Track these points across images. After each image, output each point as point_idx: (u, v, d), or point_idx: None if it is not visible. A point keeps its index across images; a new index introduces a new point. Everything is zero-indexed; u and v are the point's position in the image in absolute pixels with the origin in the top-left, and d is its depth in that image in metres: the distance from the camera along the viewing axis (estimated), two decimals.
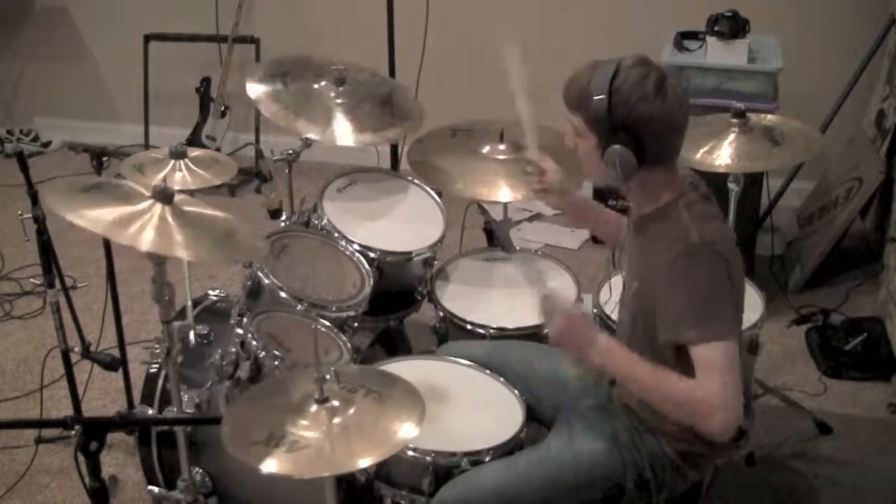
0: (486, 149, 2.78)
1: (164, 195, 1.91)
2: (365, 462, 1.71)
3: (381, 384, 1.86)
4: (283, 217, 2.68)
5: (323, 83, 2.79)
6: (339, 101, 2.76)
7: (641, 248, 1.97)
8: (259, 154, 4.70)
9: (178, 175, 2.37)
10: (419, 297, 2.76)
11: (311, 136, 2.69)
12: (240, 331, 2.29)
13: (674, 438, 1.98)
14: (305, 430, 1.72)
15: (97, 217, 1.82)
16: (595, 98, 1.83)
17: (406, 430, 1.73)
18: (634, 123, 1.83)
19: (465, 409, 2.19)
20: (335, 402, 1.76)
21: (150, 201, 1.90)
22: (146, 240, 1.82)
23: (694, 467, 2.03)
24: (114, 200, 1.89)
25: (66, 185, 1.94)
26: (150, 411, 2.41)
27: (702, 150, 2.56)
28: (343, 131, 2.72)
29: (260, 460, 1.66)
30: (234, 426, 1.77)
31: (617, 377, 1.97)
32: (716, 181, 2.60)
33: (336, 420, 1.73)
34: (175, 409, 2.17)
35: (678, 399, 1.81)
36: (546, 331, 2.00)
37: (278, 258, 2.50)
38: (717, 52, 3.55)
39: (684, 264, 1.82)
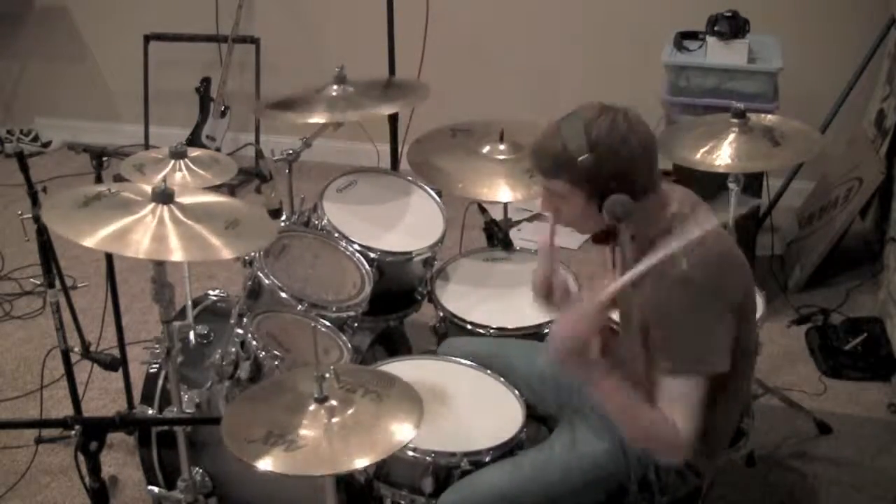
0: (486, 149, 2.78)
1: (163, 196, 1.91)
2: (362, 462, 1.71)
3: (380, 384, 1.86)
4: (283, 217, 2.68)
5: (328, 86, 2.80)
6: (351, 90, 2.80)
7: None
8: (259, 154, 4.68)
9: (178, 175, 2.37)
10: (419, 297, 2.76)
11: (340, 119, 2.77)
12: (240, 331, 2.29)
13: None
14: (304, 429, 1.72)
15: (100, 234, 1.83)
16: (579, 158, 1.81)
17: (404, 431, 1.73)
18: (624, 168, 1.82)
19: (465, 409, 2.19)
20: (334, 402, 1.76)
21: (151, 205, 1.90)
22: (150, 248, 1.82)
23: (696, 469, 2.03)
24: (114, 211, 1.89)
25: (66, 201, 1.93)
26: (150, 411, 2.41)
27: (702, 150, 2.56)
28: (366, 109, 2.80)
29: (258, 458, 1.66)
30: (233, 424, 1.78)
31: (602, 396, 1.92)
32: (716, 181, 2.62)
33: (335, 419, 1.73)
34: (175, 409, 2.17)
35: (644, 433, 1.85)
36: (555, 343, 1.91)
37: (278, 258, 2.50)
38: (717, 52, 3.55)
39: (663, 296, 1.81)
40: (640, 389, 2.02)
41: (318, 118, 2.72)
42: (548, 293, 2.16)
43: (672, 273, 1.79)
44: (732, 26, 3.53)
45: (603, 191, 1.83)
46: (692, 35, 3.70)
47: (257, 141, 4.75)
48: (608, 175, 1.81)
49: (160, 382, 2.43)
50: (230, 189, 4.34)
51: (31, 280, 3.76)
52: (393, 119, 3.51)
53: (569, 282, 2.19)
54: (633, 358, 2.00)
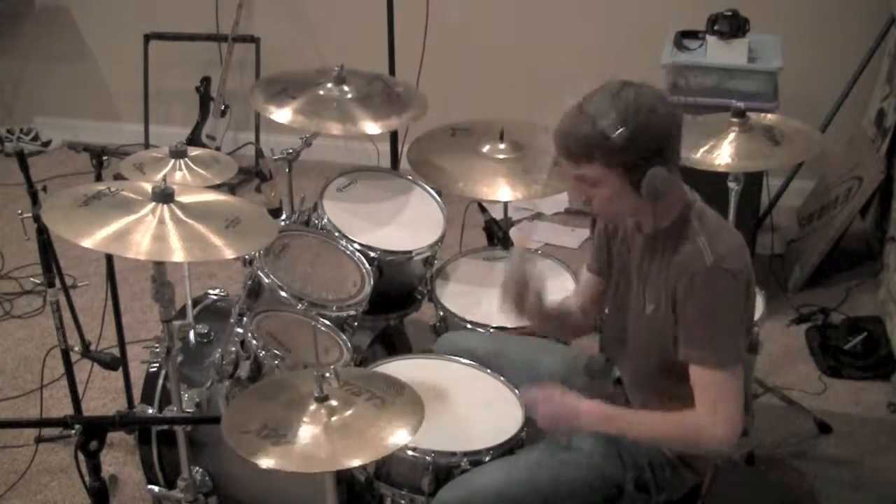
0: (486, 148, 2.79)
1: (163, 196, 1.91)
2: (353, 462, 1.70)
3: (387, 390, 1.85)
4: (283, 216, 2.69)
5: (328, 86, 2.78)
6: (349, 97, 2.76)
7: (655, 268, 1.93)
8: (259, 153, 4.71)
9: (178, 174, 2.37)
10: (419, 297, 2.76)
11: (336, 132, 2.73)
12: (240, 330, 2.29)
13: None
14: (302, 427, 1.72)
15: (100, 234, 1.82)
16: (613, 135, 1.74)
17: (398, 436, 1.73)
18: (657, 140, 1.78)
19: (465, 409, 2.19)
20: (334, 402, 1.76)
21: (152, 204, 1.90)
22: (151, 248, 1.82)
23: (693, 468, 2.03)
24: (114, 210, 1.89)
25: (65, 200, 1.93)
26: (150, 410, 2.42)
27: (702, 150, 2.56)
28: (369, 122, 2.72)
29: (254, 453, 1.66)
30: (233, 417, 1.78)
31: (612, 432, 1.97)
32: (716, 180, 2.62)
33: (332, 419, 1.73)
34: (175, 408, 2.17)
35: (675, 435, 1.90)
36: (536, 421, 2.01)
37: (278, 257, 2.50)
38: (717, 52, 3.55)
39: (700, 289, 1.81)
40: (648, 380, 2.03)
41: (311, 124, 2.69)
42: (520, 299, 2.10)
43: (707, 265, 1.81)
44: (732, 25, 3.53)
45: (638, 168, 1.77)
46: (692, 34, 3.70)
47: (257, 140, 4.75)
48: (643, 149, 1.76)
49: (160, 382, 2.43)
50: (230, 188, 4.34)
51: (31, 279, 3.75)
52: None
53: (544, 287, 2.11)
54: (641, 346, 2.00)
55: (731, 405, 1.82)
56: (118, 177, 2.42)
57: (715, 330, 1.83)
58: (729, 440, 1.83)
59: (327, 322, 2.40)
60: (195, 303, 2.57)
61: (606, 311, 2.25)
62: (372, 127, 2.72)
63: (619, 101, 1.76)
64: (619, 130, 1.74)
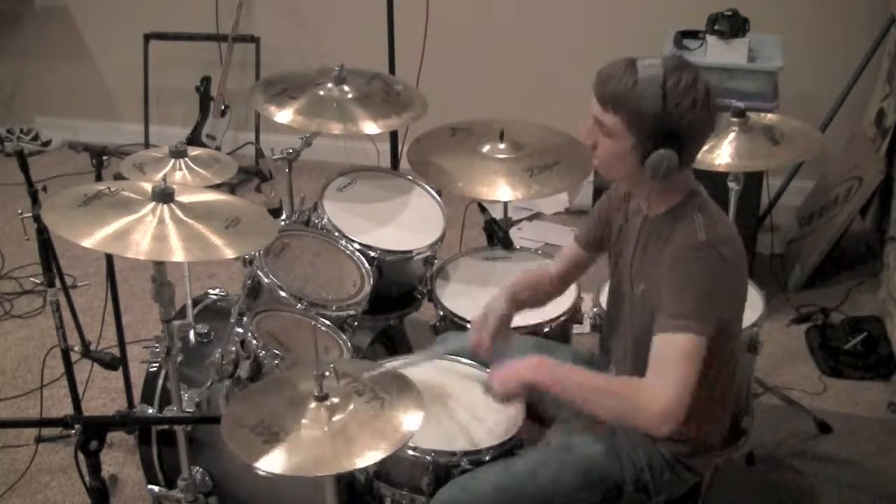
0: (485, 148, 2.78)
1: (163, 196, 1.91)
2: (351, 463, 1.70)
3: (389, 390, 1.84)
4: (283, 216, 2.69)
5: (328, 86, 2.78)
6: (349, 96, 2.76)
7: (651, 249, 1.94)
8: (259, 153, 4.71)
9: (178, 174, 2.37)
10: (419, 297, 2.76)
11: (336, 132, 2.71)
12: (240, 330, 2.29)
13: (671, 441, 1.97)
14: (301, 426, 1.72)
15: (100, 234, 1.82)
16: (645, 101, 1.78)
17: (398, 439, 1.72)
18: (683, 129, 1.80)
19: (465, 408, 2.19)
20: (334, 400, 1.76)
21: (152, 204, 1.90)
22: (151, 248, 1.82)
23: (692, 469, 2.03)
24: (114, 210, 1.89)
25: (65, 200, 1.93)
26: (150, 410, 2.42)
27: (702, 149, 2.55)
28: (369, 122, 2.71)
29: (246, 448, 1.66)
30: (233, 415, 1.79)
31: (558, 387, 1.91)
32: (716, 180, 2.62)
33: (332, 419, 1.73)
34: (175, 408, 2.17)
35: (612, 392, 1.84)
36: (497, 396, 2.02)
37: (278, 257, 2.51)
38: (717, 51, 3.55)
39: (686, 261, 1.82)
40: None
41: (311, 124, 2.68)
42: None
43: (695, 240, 1.82)
44: (732, 25, 3.53)
45: (652, 144, 1.80)
46: (692, 34, 3.70)
47: (257, 140, 4.75)
48: (665, 131, 1.79)
49: (160, 381, 2.43)
50: (230, 188, 4.34)
51: (32, 279, 3.76)
52: None
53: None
54: (633, 332, 2.00)
55: (681, 374, 1.73)
56: (118, 177, 2.42)
57: (689, 297, 1.78)
58: (668, 412, 1.72)
59: (327, 322, 2.40)
60: (195, 303, 2.57)
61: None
62: (372, 127, 2.72)
63: (670, 79, 1.78)
64: (652, 102, 1.77)
